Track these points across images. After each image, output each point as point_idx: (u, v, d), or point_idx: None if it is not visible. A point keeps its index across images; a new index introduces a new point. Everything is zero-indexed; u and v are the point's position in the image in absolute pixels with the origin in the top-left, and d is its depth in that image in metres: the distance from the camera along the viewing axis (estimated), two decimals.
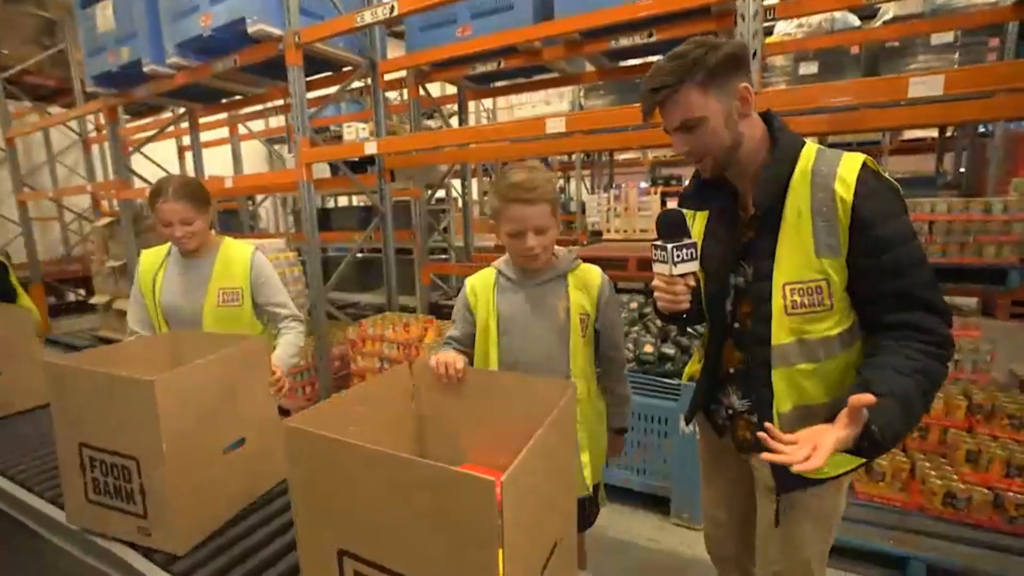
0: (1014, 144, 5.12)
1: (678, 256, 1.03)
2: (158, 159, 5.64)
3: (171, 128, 5.76)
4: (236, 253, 1.82)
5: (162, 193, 1.64)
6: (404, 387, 1.12)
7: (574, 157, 8.46)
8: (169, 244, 1.81)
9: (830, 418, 0.89)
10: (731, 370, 1.17)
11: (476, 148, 3.59)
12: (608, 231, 6.95)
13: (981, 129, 5.82)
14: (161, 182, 1.69)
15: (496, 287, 1.39)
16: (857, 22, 4.95)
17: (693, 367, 1.35)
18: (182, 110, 5.02)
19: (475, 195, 9.56)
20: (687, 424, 1.39)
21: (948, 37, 5.01)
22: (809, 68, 5.28)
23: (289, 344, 1.79)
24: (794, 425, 0.99)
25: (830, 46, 4.46)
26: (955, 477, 2.00)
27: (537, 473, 0.77)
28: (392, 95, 7.18)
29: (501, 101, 8.96)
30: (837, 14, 4.77)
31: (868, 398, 0.82)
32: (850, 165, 0.95)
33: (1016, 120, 4.88)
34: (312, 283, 3.35)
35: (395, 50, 4.02)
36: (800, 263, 0.98)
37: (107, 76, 4.03)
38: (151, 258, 1.83)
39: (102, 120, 6.17)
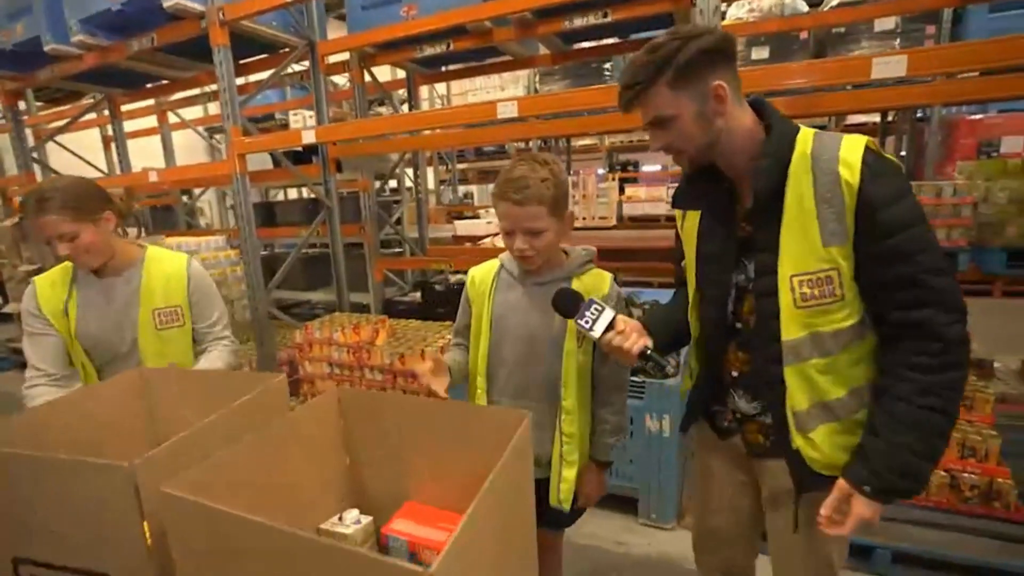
0: (950, 129, 5.32)
1: (587, 324, 1.10)
2: (82, 150, 5.13)
3: (92, 116, 5.25)
4: (168, 265, 1.55)
5: (31, 205, 1.35)
6: (332, 417, 0.96)
7: (531, 144, 8.31)
8: (69, 264, 1.51)
9: (851, 412, 0.97)
10: (735, 373, 1.11)
11: (427, 136, 3.39)
12: None
13: (919, 114, 6.04)
14: (32, 190, 1.39)
15: (496, 281, 1.34)
16: (806, 8, 5.02)
17: (686, 384, 1.27)
18: (100, 96, 4.55)
19: (431, 184, 9.30)
20: (683, 432, 1.30)
21: (890, 24, 5.16)
22: (761, 53, 5.33)
23: (213, 361, 1.58)
24: (813, 423, 0.98)
25: (781, 30, 4.47)
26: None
27: (485, 537, 0.63)
28: (341, 80, 6.80)
29: (455, 87, 8.68)
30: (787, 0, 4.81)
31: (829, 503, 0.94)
32: (853, 147, 0.90)
33: (966, 104, 5.07)
34: (251, 283, 3.08)
35: (338, 33, 3.74)
36: (807, 253, 0.93)
37: (2, 56, 3.57)
38: (50, 286, 1.50)
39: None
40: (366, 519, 0.92)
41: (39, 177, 4.47)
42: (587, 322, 1.10)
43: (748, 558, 1.29)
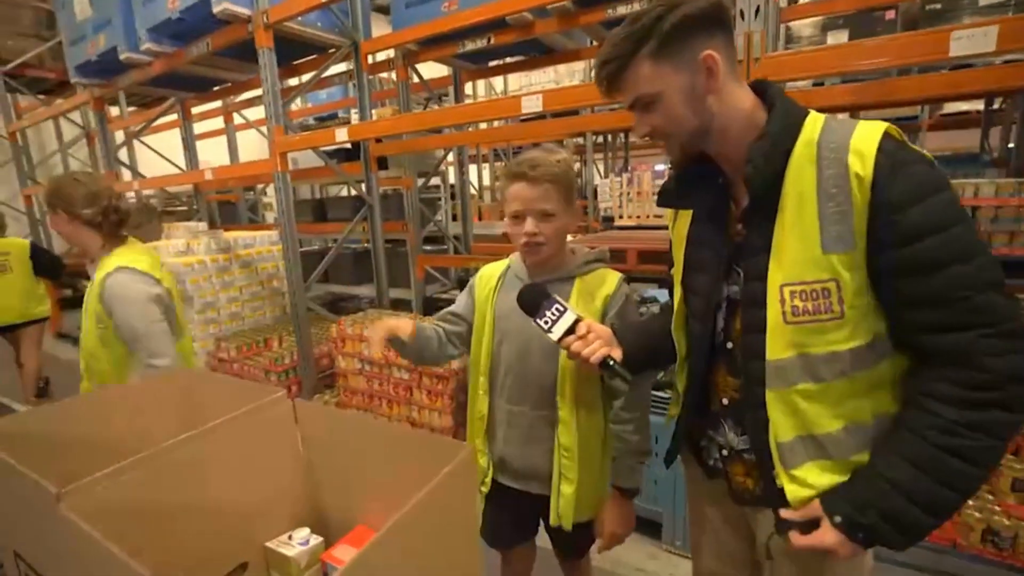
0: None
1: (546, 324, 1.02)
2: (170, 150, 5.56)
3: (174, 118, 5.68)
4: (102, 271, 1.56)
5: None
6: (288, 430, 0.91)
7: (585, 140, 8.10)
8: None
9: (849, 452, 0.80)
10: (725, 401, 0.95)
11: (470, 132, 3.34)
12: (621, 216, 6.65)
13: None
14: None
15: (502, 280, 1.28)
16: None
17: (673, 410, 1.11)
18: (173, 100, 4.89)
19: (485, 180, 9.31)
20: (667, 466, 1.14)
21: None
22: (839, 37, 4.84)
23: None
24: (797, 458, 0.83)
25: (862, 8, 4.03)
26: (998, 509, 1.71)
27: (396, 562, 0.55)
28: (391, 76, 6.94)
29: (512, 84, 8.62)
30: None
31: (793, 512, 0.81)
32: (867, 134, 0.74)
33: None
34: (290, 279, 3.17)
35: (386, 30, 3.78)
36: (802, 259, 0.77)
37: (88, 66, 3.90)
38: None
39: (112, 112, 6.13)
40: (316, 540, 0.86)
41: (124, 176, 4.89)
42: (546, 322, 1.02)
43: None
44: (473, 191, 8.12)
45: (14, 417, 1.03)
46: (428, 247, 4.93)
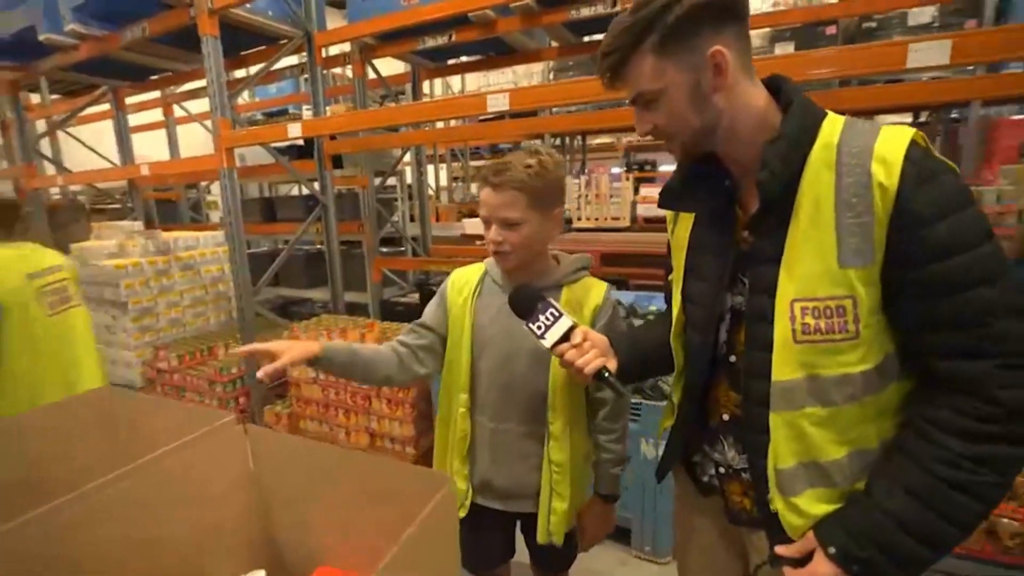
0: (989, 131, 4.97)
1: (539, 329, 0.97)
2: (102, 143, 5.10)
3: (107, 107, 5.23)
4: None
5: None
6: (240, 460, 0.81)
7: (545, 140, 8.11)
8: None
9: (853, 479, 0.76)
10: (725, 417, 0.90)
11: (428, 131, 3.24)
12: (579, 219, 6.69)
13: (954, 115, 5.70)
14: None
15: (479, 288, 1.20)
16: None
17: (666, 422, 1.06)
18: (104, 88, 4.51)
19: (443, 181, 9.17)
20: (658, 481, 1.10)
21: (926, 16, 4.84)
22: (786, 48, 5.07)
23: None
24: (797, 486, 0.78)
25: (807, 22, 4.22)
26: None
27: None
28: (350, 74, 6.70)
29: (470, 84, 8.52)
30: None
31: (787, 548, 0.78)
32: (893, 140, 0.68)
33: (1012, 102, 4.75)
34: (237, 283, 2.98)
35: (340, 24, 3.62)
36: (817, 273, 0.71)
37: (1, 45, 3.52)
38: None
39: (34, 99, 5.58)
40: None
41: (46, 169, 4.47)
42: (539, 327, 0.97)
43: None
44: (431, 191, 7.97)
45: None
46: (385, 249, 4.77)
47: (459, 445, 1.19)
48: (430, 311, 1.25)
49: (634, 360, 1.02)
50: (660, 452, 1.92)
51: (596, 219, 6.50)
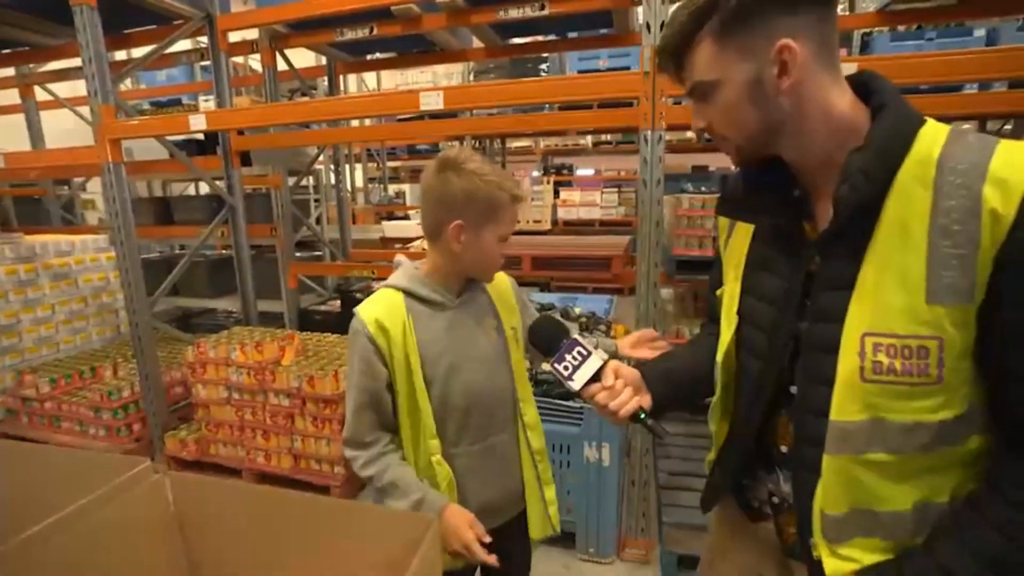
0: None
1: (566, 371, 0.85)
2: None
3: None
4: None
5: None
6: (163, 521, 0.67)
7: (465, 142, 8.05)
8: None
9: (913, 534, 0.67)
10: (784, 449, 0.80)
11: (350, 129, 3.06)
12: None
13: None
14: None
15: (410, 316, 1.03)
16: None
17: (712, 455, 0.95)
18: None
19: (359, 182, 8.77)
20: (704, 512, 0.97)
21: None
22: None
23: None
24: (846, 534, 0.69)
25: None
26: None
27: None
28: (255, 64, 6.18)
29: (386, 82, 8.24)
30: None
31: None
32: (1016, 159, 0.58)
33: None
34: (129, 293, 2.61)
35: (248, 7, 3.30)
36: (898, 307, 0.62)
37: None
38: None
39: None
40: None
41: None
42: (566, 368, 0.85)
43: None
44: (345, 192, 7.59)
45: None
46: (299, 253, 4.45)
47: (448, 493, 1.05)
48: (372, 392, 1.03)
49: (669, 394, 0.92)
50: (603, 455, 1.95)
51: (518, 222, 6.56)
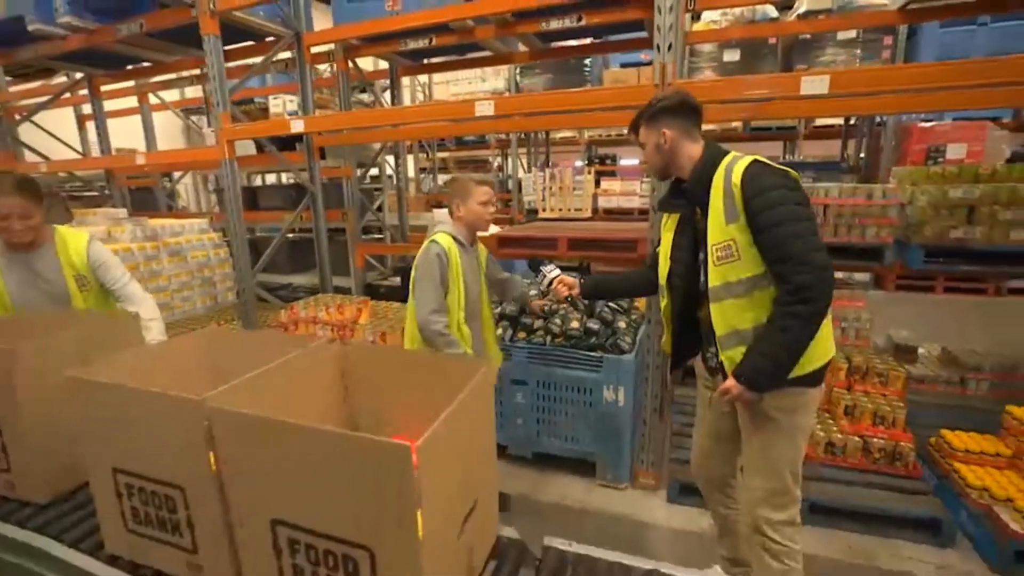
0: (902, 134, 5.68)
1: (540, 278, 1.90)
2: (52, 129, 5.08)
3: (66, 95, 5.21)
4: (72, 242, 1.91)
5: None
6: (328, 363, 1.16)
7: (510, 135, 8.46)
8: None
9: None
10: (709, 325, 1.47)
11: (409, 128, 3.54)
12: (544, 209, 7.07)
13: (877, 119, 6.40)
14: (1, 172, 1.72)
15: (455, 248, 1.90)
16: (775, 13, 5.29)
17: (667, 340, 1.67)
18: (79, 75, 4.55)
19: (411, 172, 9.38)
20: (670, 373, 1.79)
21: (852, 33, 5.48)
22: (732, 55, 5.59)
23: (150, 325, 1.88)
24: (728, 345, 1.42)
25: (748, 37, 4.74)
26: (835, 429, 2.30)
27: (452, 440, 0.85)
28: (323, 67, 6.83)
29: (436, 77, 8.75)
30: (758, 6, 5.08)
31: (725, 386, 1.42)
32: (740, 165, 1.39)
33: (897, 113, 5.45)
34: (239, 266, 3.22)
35: (324, 20, 3.84)
36: (717, 229, 1.40)
37: None
38: None
39: None
40: None
41: (26, 158, 4.47)
42: (541, 277, 1.87)
43: (726, 470, 1.70)
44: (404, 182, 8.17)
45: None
46: (363, 237, 5.03)
47: (465, 345, 1.86)
48: (439, 288, 1.85)
49: (594, 291, 1.91)
50: (619, 396, 2.36)
51: (560, 210, 6.92)
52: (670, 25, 2.00)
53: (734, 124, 7.62)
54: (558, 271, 1.76)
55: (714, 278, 1.41)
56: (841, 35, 5.46)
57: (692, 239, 1.53)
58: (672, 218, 1.62)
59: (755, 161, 1.37)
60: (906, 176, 2.90)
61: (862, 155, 6.67)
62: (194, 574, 1.00)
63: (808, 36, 5.52)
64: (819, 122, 8.21)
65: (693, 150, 1.49)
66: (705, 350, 1.60)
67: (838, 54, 5.45)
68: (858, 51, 5.38)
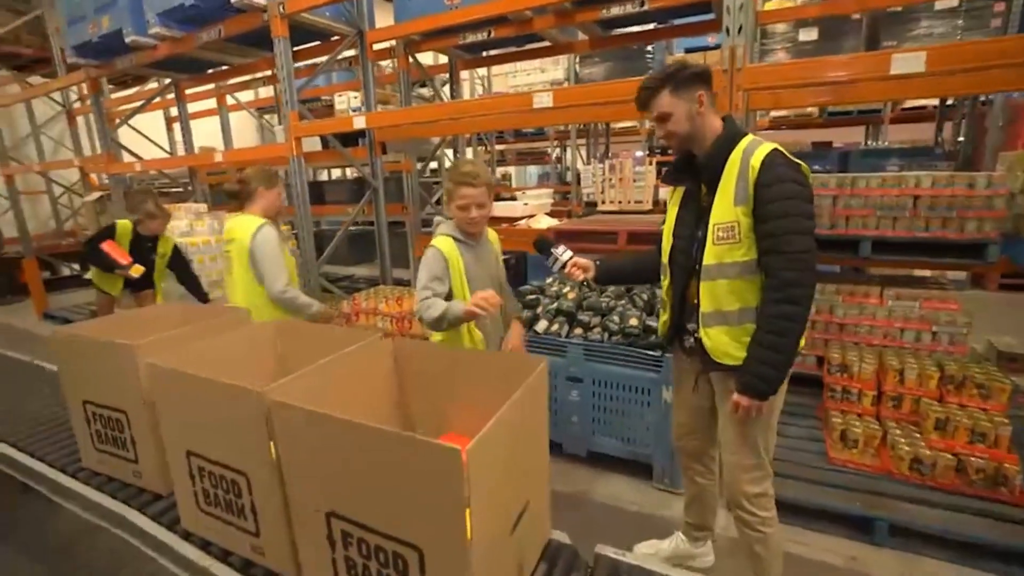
0: (1013, 113, 5.06)
1: (552, 261, 1.72)
2: (145, 130, 5.55)
3: (156, 99, 5.67)
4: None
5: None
6: (383, 358, 1.17)
7: (569, 126, 8.34)
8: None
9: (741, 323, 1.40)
10: (695, 302, 1.48)
11: (468, 121, 3.56)
12: (603, 202, 6.91)
13: (982, 98, 5.73)
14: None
15: (457, 247, 1.80)
16: None
17: (664, 315, 1.66)
18: (167, 80, 4.92)
19: None
20: (667, 345, 1.72)
21: (953, 1, 4.89)
22: (809, 35, 5.19)
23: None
24: (709, 323, 1.44)
25: (824, 14, 4.37)
26: (923, 444, 2.09)
27: (504, 441, 0.83)
28: (385, 63, 7.03)
29: (495, 68, 8.75)
30: None
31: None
32: (762, 150, 1.34)
33: (1008, 91, 4.85)
34: (305, 258, 3.37)
35: (385, 16, 3.93)
36: (723, 208, 1.38)
37: (88, 46, 3.95)
38: None
39: (86, 90, 6.05)
40: None
41: (123, 157, 4.92)
42: (553, 260, 1.71)
43: (704, 445, 1.75)
44: None
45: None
46: (424, 230, 5.14)
47: (479, 346, 1.83)
48: (439, 282, 1.75)
49: (606, 274, 1.78)
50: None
51: (620, 202, 6.74)
52: (740, 5, 1.86)
53: (809, 109, 7.07)
54: (571, 253, 1.69)
55: (709, 257, 1.40)
56: (939, 4, 4.92)
57: (696, 215, 1.48)
58: (678, 191, 1.58)
59: (776, 149, 1.34)
60: (1017, 162, 2.56)
61: (960, 139, 6.01)
62: (257, 556, 1.04)
63: (899, 8, 5.01)
64: (907, 103, 7.49)
65: (716, 123, 1.43)
66: (686, 331, 1.57)
67: (934, 26, 4.90)
68: (959, 21, 4.81)
